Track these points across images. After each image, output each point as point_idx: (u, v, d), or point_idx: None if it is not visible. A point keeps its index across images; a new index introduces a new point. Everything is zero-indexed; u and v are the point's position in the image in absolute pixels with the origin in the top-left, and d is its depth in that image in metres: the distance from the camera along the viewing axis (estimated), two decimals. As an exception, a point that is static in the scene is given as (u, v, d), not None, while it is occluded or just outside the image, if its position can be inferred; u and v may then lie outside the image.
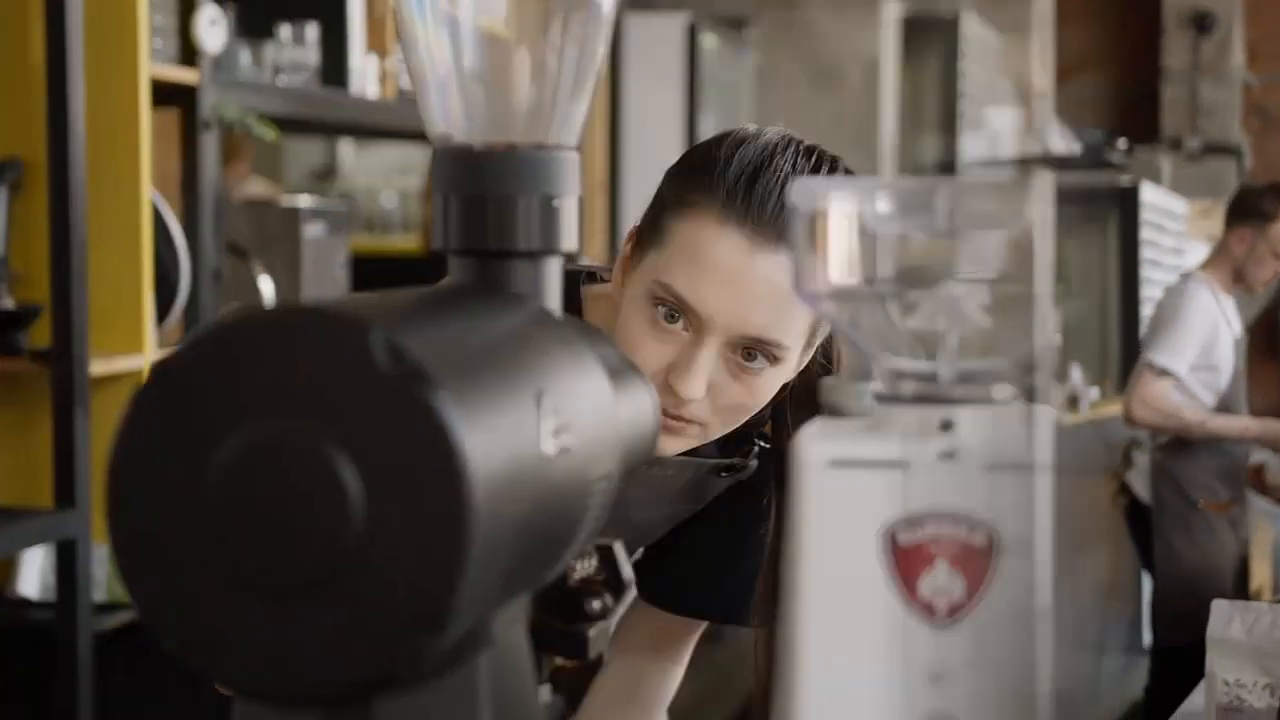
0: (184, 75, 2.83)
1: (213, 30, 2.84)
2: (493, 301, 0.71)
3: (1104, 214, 6.87)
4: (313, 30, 3.34)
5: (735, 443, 1.40)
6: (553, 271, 0.75)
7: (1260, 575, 5.39)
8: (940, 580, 0.64)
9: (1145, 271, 7.00)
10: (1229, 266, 4.57)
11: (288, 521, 0.58)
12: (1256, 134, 8.74)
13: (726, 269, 1.22)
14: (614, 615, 0.83)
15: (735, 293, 1.22)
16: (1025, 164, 5.95)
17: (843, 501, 0.64)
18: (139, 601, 0.60)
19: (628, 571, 0.83)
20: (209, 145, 2.90)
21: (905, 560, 0.64)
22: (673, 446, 1.29)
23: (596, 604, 0.82)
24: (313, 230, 3.35)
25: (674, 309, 1.24)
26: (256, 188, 4.96)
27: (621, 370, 0.80)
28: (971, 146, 5.93)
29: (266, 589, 0.58)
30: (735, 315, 1.22)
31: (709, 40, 5.62)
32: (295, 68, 3.31)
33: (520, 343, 0.68)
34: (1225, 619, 1.93)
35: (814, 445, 0.65)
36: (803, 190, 0.67)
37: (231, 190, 4.71)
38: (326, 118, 3.48)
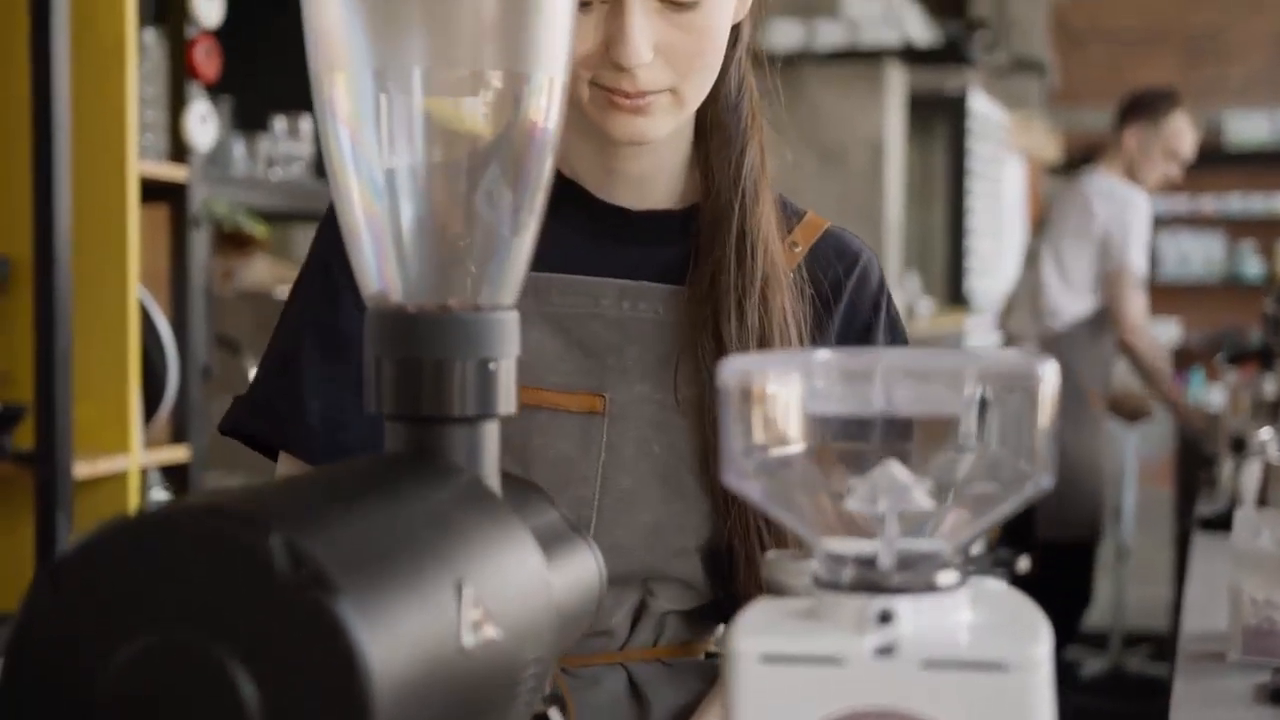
0: (173, 173, 2.81)
1: (203, 127, 2.83)
2: (420, 476, 0.68)
3: (932, 120, 6.80)
4: (307, 122, 3.34)
5: None
6: (490, 438, 0.72)
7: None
8: (880, 783, 0.60)
9: (967, 182, 6.94)
10: (1122, 165, 4.55)
11: (182, 735, 0.54)
12: (1062, 51, 8.69)
13: None
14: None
15: None
16: (882, 55, 5.76)
17: (776, 698, 0.61)
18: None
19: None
20: (199, 242, 2.88)
21: (843, 761, 0.60)
22: (651, 128, 1.20)
23: (541, 776, 0.79)
24: (308, 320, 3.32)
25: None
26: (262, 271, 4.93)
27: (561, 536, 0.77)
28: (827, 33, 5.72)
29: (160, 806, 0.55)
30: None
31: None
32: (289, 160, 3.31)
33: (442, 527, 0.65)
34: (1252, 529, 1.62)
35: (747, 638, 0.62)
36: (733, 365, 0.64)
37: (236, 277, 4.69)
38: (320, 210, 3.46)
